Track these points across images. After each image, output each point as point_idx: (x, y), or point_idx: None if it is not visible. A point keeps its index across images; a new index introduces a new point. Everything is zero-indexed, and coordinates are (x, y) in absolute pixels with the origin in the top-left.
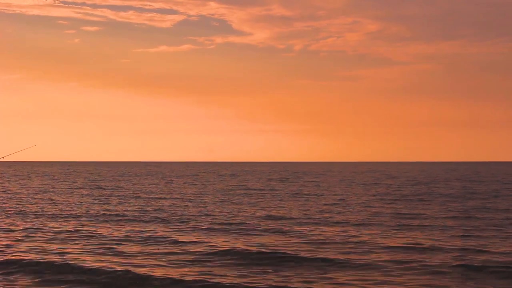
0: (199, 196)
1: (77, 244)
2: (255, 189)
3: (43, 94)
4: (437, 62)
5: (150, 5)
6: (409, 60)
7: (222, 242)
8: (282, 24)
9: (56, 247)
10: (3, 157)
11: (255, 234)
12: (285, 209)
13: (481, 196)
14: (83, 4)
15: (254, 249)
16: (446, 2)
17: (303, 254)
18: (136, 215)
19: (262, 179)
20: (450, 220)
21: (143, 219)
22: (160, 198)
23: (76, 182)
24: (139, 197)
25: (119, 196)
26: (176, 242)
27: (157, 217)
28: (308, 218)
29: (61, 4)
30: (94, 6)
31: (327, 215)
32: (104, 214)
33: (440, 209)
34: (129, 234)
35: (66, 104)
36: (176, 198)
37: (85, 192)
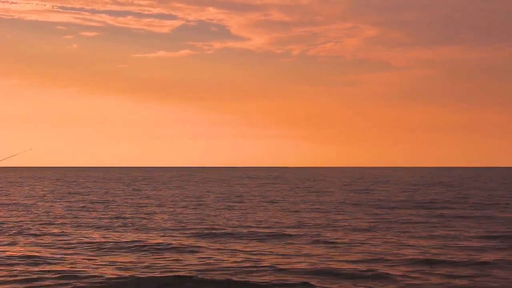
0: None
1: None
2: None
3: (41, 99)
4: (436, 67)
5: (148, 10)
6: (408, 65)
7: None
8: (281, 29)
9: None
10: None
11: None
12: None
13: (409, 205)
14: (82, 9)
15: None
16: (446, 7)
17: None
18: None
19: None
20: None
21: None
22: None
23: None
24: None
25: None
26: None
27: None
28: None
29: (59, 10)
30: (93, 11)
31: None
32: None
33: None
34: None
35: (64, 109)
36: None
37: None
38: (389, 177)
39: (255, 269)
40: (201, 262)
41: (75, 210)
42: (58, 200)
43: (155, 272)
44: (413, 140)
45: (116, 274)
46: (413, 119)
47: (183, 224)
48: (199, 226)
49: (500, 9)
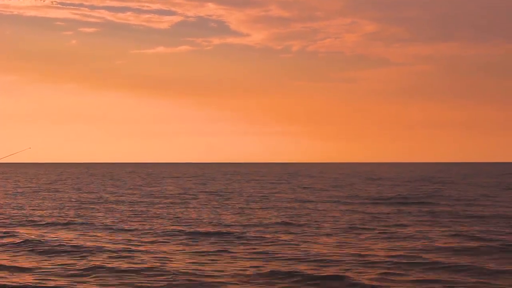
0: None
1: None
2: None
3: (40, 95)
4: (435, 63)
5: (148, 6)
6: (407, 61)
7: None
8: (280, 25)
9: None
10: None
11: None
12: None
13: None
14: (81, 5)
15: None
16: (444, 3)
17: None
18: None
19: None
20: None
21: None
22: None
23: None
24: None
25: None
26: None
27: None
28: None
29: (58, 6)
30: (92, 7)
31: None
32: None
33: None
34: None
35: (63, 105)
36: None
37: None
38: (387, 173)
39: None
40: None
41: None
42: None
43: None
44: (412, 136)
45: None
46: (412, 115)
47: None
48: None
49: (498, 6)
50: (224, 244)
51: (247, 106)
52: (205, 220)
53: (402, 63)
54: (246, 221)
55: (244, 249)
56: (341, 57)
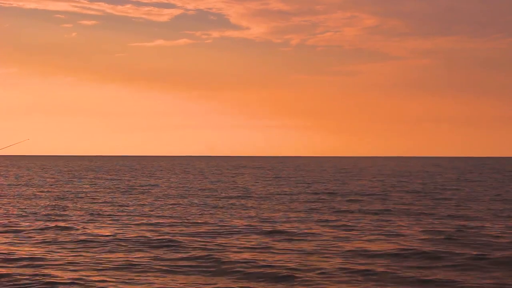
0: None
1: None
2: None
3: (39, 88)
4: (434, 58)
5: None
6: (406, 55)
7: None
8: (279, 19)
9: None
10: None
11: None
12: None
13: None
14: None
15: None
16: None
17: None
18: None
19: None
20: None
21: None
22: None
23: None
24: None
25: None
26: None
27: None
28: None
29: None
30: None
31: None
32: None
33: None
34: None
35: (62, 98)
36: None
37: None
38: (373, 167)
39: None
40: None
41: None
42: None
43: None
44: (410, 130)
45: None
46: (410, 108)
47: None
48: None
49: (498, 0)
50: None
51: (246, 99)
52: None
53: (401, 57)
54: None
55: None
56: (340, 51)
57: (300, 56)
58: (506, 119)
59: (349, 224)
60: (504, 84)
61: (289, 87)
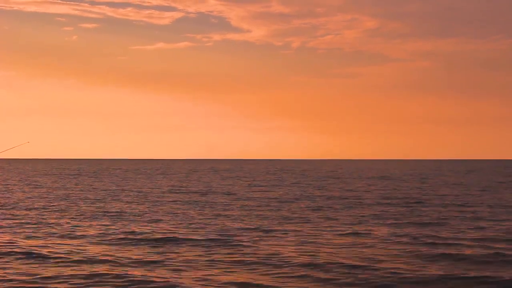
0: None
1: None
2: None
3: (40, 91)
4: (434, 59)
5: (148, 2)
6: (407, 57)
7: None
8: (280, 21)
9: None
10: None
11: None
12: None
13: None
14: (82, 1)
15: None
16: (444, 0)
17: None
18: None
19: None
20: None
21: None
22: None
23: None
24: None
25: None
26: None
27: None
28: None
29: (59, 1)
30: (93, 3)
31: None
32: None
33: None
34: None
35: (63, 101)
36: None
37: None
38: (360, 170)
39: None
40: None
41: None
42: None
43: None
44: (411, 132)
45: None
46: (411, 110)
47: None
48: None
49: (498, 1)
50: None
51: (247, 101)
52: None
53: (401, 59)
54: None
55: None
56: (340, 53)
57: (301, 59)
58: (507, 119)
59: None
60: (505, 84)
61: (290, 90)
